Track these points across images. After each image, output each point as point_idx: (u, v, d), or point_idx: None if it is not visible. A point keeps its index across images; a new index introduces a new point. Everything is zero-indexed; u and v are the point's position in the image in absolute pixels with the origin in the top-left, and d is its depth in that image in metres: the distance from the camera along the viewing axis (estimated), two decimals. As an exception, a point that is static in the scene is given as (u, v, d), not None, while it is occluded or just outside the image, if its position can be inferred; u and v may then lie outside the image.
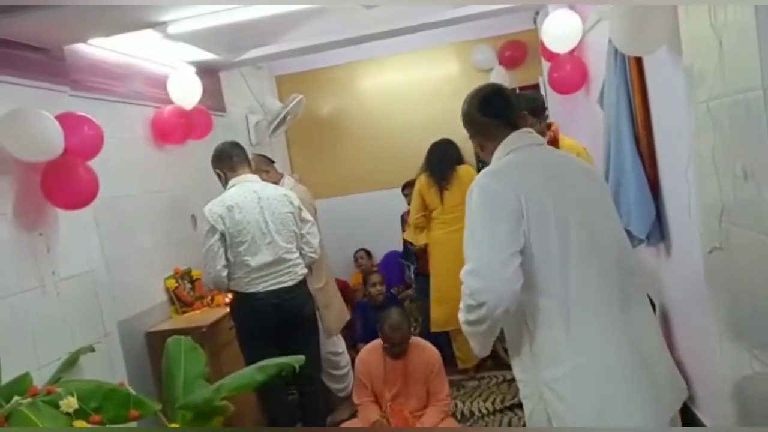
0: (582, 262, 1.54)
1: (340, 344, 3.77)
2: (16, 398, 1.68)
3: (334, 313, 3.65)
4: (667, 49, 2.19)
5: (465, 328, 1.62)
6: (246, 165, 3.09)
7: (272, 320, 2.96)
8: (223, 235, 2.88)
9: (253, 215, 2.93)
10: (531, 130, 1.74)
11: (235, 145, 3.10)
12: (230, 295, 3.38)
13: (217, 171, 3.08)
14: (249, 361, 2.55)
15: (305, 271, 3.13)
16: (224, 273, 2.90)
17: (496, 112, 1.70)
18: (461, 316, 1.60)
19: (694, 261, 2.18)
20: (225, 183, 3.06)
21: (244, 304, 2.97)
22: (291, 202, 3.08)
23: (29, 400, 1.66)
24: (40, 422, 1.59)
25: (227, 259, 2.90)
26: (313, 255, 3.15)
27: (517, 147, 1.66)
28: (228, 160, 3.03)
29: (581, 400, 1.51)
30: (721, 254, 1.79)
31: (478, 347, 1.69)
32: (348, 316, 3.91)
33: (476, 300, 1.49)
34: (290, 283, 3.01)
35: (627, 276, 1.61)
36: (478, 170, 4.22)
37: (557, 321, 1.52)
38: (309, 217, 3.18)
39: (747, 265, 1.63)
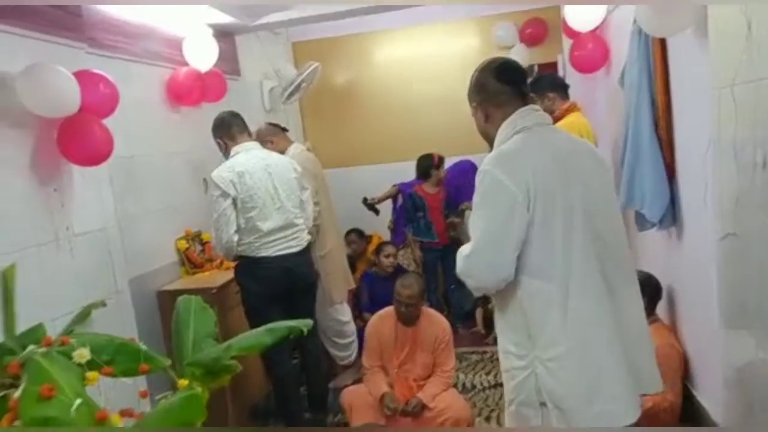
0: (584, 249, 1.58)
1: (346, 313, 3.80)
2: (31, 347, 1.71)
3: (337, 280, 3.68)
4: (693, 32, 2.15)
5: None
6: (246, 133, 3.14)
7: (282, 284, 3.01)
8: (234, 201, 2.90)
9: (263, 181, 2.97)
10: (537, 107, 1.74)
11: (235, 115, 3.15)
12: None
13: (218, 140, 3.14)
14: (255, 326, 2.57)
15: (309, 237, 3.21)
16: (236, 238, 2.93)
17: (510, 79, 1.70)
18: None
19: (705, 246, 2.18)
20: (225, 151, 3.12)
21: (254, 269, 3.00)
22: (295, 169, 3.16)
23: (43, 349, 1.69)
24: (53, 371, 1.61)
25: (237, 224, 2.93)
26: (307, 222, 3.22)
27: (525, 126, 1.66)
28: (227, 129, 3.09)
29: (573, 379, 1.58)
30: (734, 240, 1.78)
31: None
32: (352, 285, 3.93)
33: (463, 277, 1.66)
34: (298, 248, 3.08)
35: (620, 263, 1.66)
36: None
37: (556, 305, 1.58)
38: (307, 184, 3.25)
39: (760, 251, 1.63)
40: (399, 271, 4.21)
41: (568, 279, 1.57)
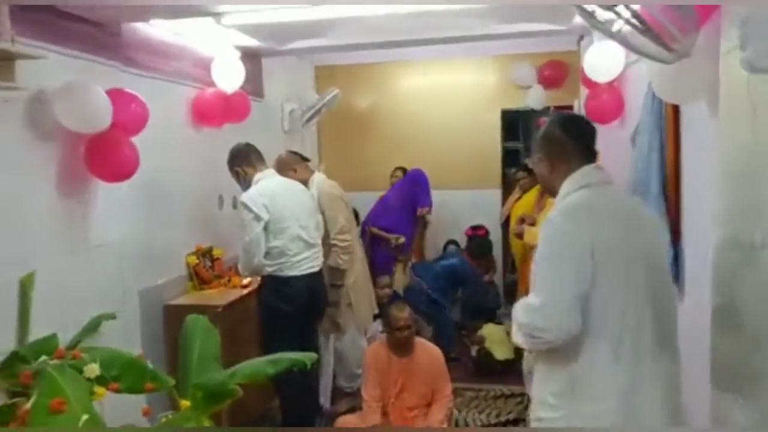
0: (641, 307, 1.60)
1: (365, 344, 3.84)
2: (43, 357, 1.77)
3: (365, 307, 3.79)
4: (705, 102, 2.22)
5: (520, 343, 1.74)
6: (263, 162, 3.27)
7: (304, 303, 3.15)
8: (266, 225, 3.02)
9: (289, 204, 3.12)
10: (602, 166, 1.77)
11: (250, 146, 3.29)
12: (248, 279, 3.50)
13: (237, 169, 3.23)
14: (271, 345, 2.72)
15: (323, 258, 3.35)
16: (265, 262, 3.05)
17: (577, 133, 1.75)
18: (518, 338, 1.71)
19: (702, 310, 2.22)
20: (243, 180, 3.21)
21: (282, 288, 3.10)
22: (311, 194, 3.38)
23: (56, 361, 1.75)
24: (63, 384, 1.67)
25: (267, 249, 3.05)
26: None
27: (590, 183, 1.69)
28: (246, 158, 3.22)
29: None
30: (728, 309, 1.83)
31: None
32: (376, 310, 3.98)
33: (537, 335, 1.60)
34: (317, 269, 3.25)
35: (671, 323, 1.70)
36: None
37: (607, 361, 1.57)
38: (324, 208, 3.49)
39: (750, 322, 1.68)
40: (395, 298, 4.27)
41: (623, 336, 1.57)
